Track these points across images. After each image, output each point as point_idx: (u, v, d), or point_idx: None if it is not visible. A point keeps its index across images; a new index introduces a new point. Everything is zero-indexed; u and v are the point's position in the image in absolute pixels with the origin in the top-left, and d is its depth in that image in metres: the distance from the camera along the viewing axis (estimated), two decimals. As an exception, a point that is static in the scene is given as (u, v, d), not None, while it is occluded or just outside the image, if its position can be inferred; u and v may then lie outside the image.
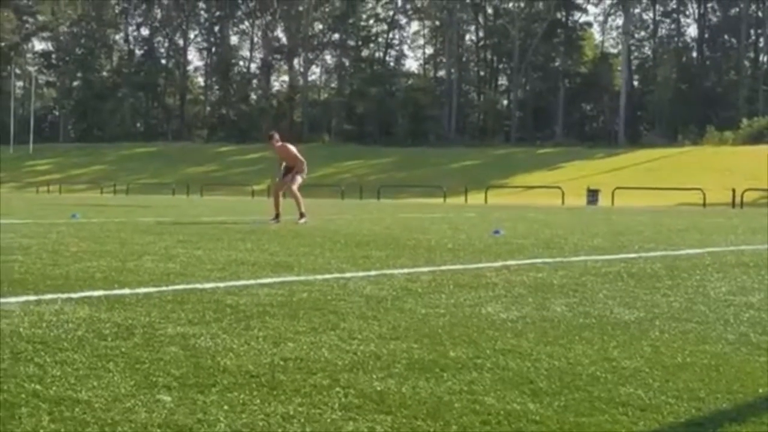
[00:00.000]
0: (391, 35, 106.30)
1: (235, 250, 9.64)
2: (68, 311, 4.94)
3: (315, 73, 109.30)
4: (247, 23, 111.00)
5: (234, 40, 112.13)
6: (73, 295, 5.60)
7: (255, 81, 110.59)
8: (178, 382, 3.40)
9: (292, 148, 18.53)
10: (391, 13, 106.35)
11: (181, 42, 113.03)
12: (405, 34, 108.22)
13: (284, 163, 18.44)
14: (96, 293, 5.74)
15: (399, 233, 13.99)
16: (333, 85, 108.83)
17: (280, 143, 18.40)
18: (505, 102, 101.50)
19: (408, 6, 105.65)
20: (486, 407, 3.13)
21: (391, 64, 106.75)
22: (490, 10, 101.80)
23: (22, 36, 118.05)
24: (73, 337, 4.20)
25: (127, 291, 5.90)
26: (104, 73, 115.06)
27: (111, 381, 3.39)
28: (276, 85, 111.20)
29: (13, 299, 5.35)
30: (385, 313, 5.17)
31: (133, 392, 3.23)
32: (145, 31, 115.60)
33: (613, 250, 10.66)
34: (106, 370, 3.55)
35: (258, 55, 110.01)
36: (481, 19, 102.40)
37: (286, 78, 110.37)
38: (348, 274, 7.29)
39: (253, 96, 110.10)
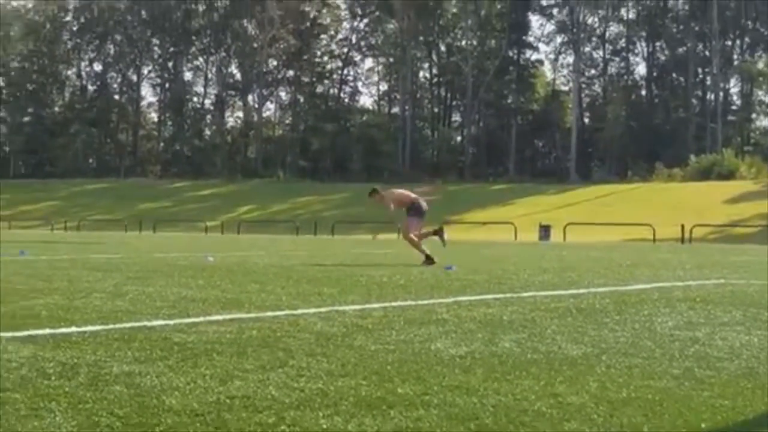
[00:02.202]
0: (345, 72, 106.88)
1: (186, 287, 9.57)
2: (12, 350, 4.87)
3: (269, 109, 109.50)
4: (201, 59, 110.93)
5: (188, 75, 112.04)
6: (18, 334, 5.53)
7: (209, 117, 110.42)
8: (122, 422, 3.36)
9: (400, 191, 17.62)
10: (345, 50, 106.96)
11: (134, 77, 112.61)
12: (359, 71, 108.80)
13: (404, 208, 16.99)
14: (41, 332, 5.66)
15: (351, 269, 13.99)
16: (287, 121, 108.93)
17: (384, 194, 17.10)
18: (459, 138, 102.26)
19: (362, 43, 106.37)
20: (431, 444, 3.13)
21: (346, 100, 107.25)
22: (443, 48, 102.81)
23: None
24: (15, 376, 4.13)
25: (73, 329, 5.83)
26: (56, 109, 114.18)
27: (53, 421, 3.34)
28: (230, 121, 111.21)
29: (-45, 338, 5.27)
30: (335, 349, 5.16)
31: (75, 432, 3.18)
32: (97, 67, 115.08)
33: (563, 286, 10.74)
34: (48, 411, 3.50)
35: (212, 90, 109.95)
36: (434, 57, 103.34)
37: (240, 114, 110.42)
38: (299, 311, 7.27)
39: (207, 132, 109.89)
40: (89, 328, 5.93)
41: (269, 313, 7.06)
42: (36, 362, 4.52)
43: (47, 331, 5.72)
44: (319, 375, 4.33)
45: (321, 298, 8.62)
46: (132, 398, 3.74)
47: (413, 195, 17.25)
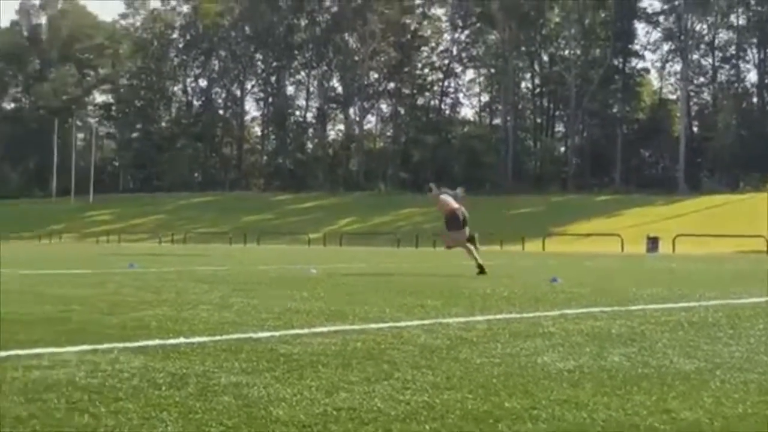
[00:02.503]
0: (446, 83, 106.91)
1: (291, 299, 9.65)
2: (124, 360, 4.96)
3: (370, 121, 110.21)
4: (303, 73, 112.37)
5: (290, 89, 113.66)
6: (129, 345, 5.63)
7: (311, 130, 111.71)
8: (231, 432, 3.39)
9: (444, 197, 17.59)
10: (446, 61, 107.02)
11: (238, 92, 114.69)
12: (460, 82, 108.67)
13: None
14: (151, 342, 5.77)
15: (454, 281, 13.92)
16: (388, 133, 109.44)
17: (436, 194, 17.63)
18: (562, 149, 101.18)
19: (463, 54, 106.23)
20: (541, 460, 3.06)
21: (447, 111, 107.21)
22: (545, 58, 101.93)
23: (84, 89, 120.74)
24: (128, 386, 4.21)
25: (182, 340, 5.91)
26: (163, 124, 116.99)
27: (164, 431, 3.38)
28: (332, 134, 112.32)
29: (70, 348, 5.40)
30: (440, 362, 5.12)
31: (185, 442, 3.21)
32: (203, 83, 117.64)
33: (673, 299, 10.49)
34: (159, 420, 3.55)
35: (314, 104, 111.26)
36: (536, 67, 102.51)
37: (341, 127, 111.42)
38: (402, 323, 7.25)
39: (309, 145, 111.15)
40: (197, 339, 6.01)
41: (373, 325, 7.06)
42: (147, 372, 4.60)
43: (157, 341, 5.82)
44: (424, 388, 4.30)
45: (424, 310, 8.58)
46: (240, 409, 3.77)
47: (454, 205, 17.13)
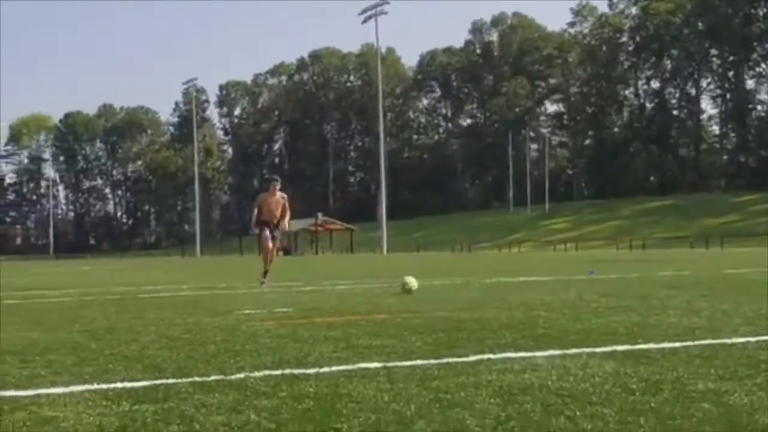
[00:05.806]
0: None
1: (765, 304, 9.09)
2: (593, 365, 4.93)
3: None
4: (764, 65, 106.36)
5: (750, 83, 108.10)
6: (597, 350, 5.60)
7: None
8: (714, 441, 3.22)
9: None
10: None
11: (693, 91, 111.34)
12: None
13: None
14: (620, 348, 5.68)
15: None
16: None
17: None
18: None
19: None
20: None
21: None
22: None
23: (535, 100, 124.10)
24: (600, 390, 4.16)
25: (651, 345, 5.77)
26: (615, 129, 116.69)
27: (642, 437, 3.29)
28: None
29: (539, 353, 5.47)
30: None
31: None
32: (655, 84, 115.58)
33: None
34: (636, 425, 3.46)
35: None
36: None
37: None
38: None
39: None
40: (667, 344, 5.83)
41: None
42: (619, 377, 4.52)
43: (626, 347, 5.73)
44: None
45: None
46: (721, 416, 3.57)
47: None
